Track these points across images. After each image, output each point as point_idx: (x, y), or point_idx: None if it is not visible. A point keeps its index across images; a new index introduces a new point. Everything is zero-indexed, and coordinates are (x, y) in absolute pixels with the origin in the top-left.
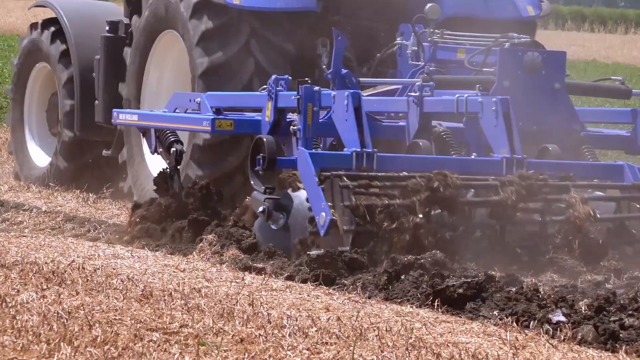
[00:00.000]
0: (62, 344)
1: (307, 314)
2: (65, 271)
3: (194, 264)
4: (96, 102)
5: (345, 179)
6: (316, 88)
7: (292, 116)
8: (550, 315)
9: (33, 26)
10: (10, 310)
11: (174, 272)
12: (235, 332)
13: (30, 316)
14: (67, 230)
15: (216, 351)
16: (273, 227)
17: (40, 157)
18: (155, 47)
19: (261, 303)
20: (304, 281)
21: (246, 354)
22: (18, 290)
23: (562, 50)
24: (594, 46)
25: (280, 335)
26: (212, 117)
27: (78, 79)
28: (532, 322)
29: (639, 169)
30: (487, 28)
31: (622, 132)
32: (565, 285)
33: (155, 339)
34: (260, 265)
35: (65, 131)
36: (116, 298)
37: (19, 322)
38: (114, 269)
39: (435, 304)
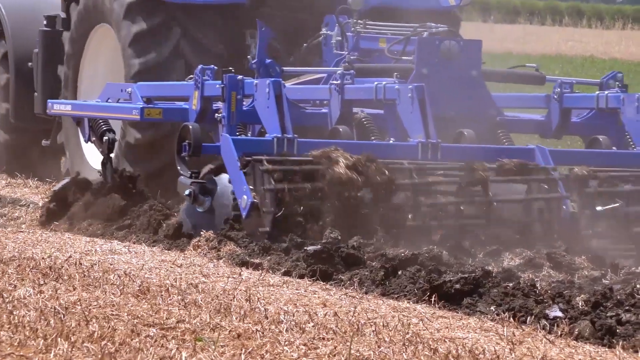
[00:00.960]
0: (59, 339)
1: (304, 310)
2: (63, 266)
3: (191, 260)
4: (35, 94)
5: (265, 163)
6: (239, 77)
7: (219, 104)
8: (547, 311)
9: None
10: (7, 305)
11: (171, 267)
12: (232, 328)
13: (27, 311)
14: None
15: (213, 347)
16: (199, 209)
17: None
18: (91, 38)
19: (258, 298)
20: (301, 277)
21: (243, 350)
22: (15, 286)
23: (477, 39)
24: (591, 42)
25: (277, 330)
26: (141, 105)
27: (14, 75)
28: (529, 318)
29: (549, 152)
30: (409, 18)
31: (537, 116)
32: (562, 280)
33: (152, 334)
34: (257, 261)
35: (0, 133)
36: (113, 293)
37: (16, 318)
38: (111, 264)
39: (432, 299)
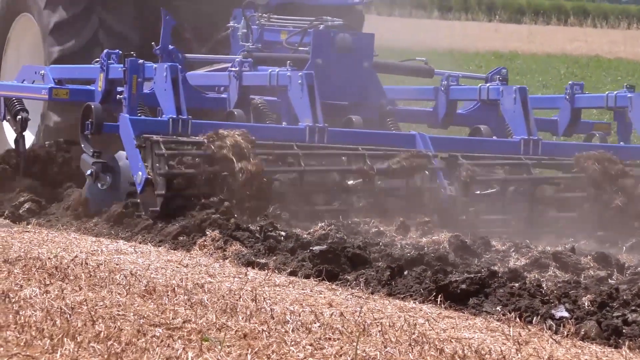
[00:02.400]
0: (65, 339)
1: (310, 310)
2: (69, 266)
3: (197, 260)
4: None
5: (161, 146)
6: (140, 61)
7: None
8: (553, 311)
9: None
10: (14, 305)
11: (177, 267)
12: (238, 328)
13: (33, 311)
14: None
15: (219, 347)
16: (100, 187)
17: None
18: (13, 28)
19: (264, 298)
20: (307, 277)
21: (249, 350)
22: (21, 286)
23: (371, 33)
24: (596, 42)
25: (283, 330)
26: (49, 86)
27: None
28: (535, 318)
29: (429, 138)
30: (315, 13)
31: (427, 108)
32: (568, 280)
33: (158, 334)
34: (263, 261)
35: None
36: (119, 293)
37: (22, 318)
38: (117, 264)
39: (438, 299)
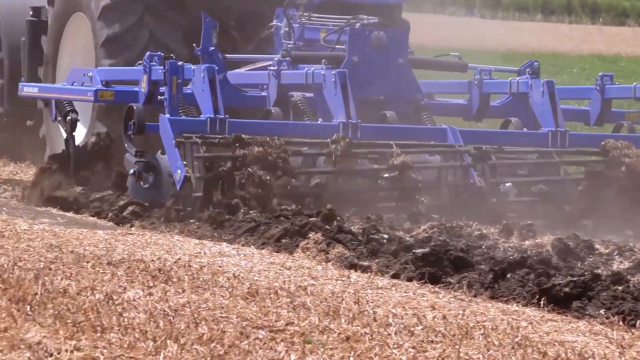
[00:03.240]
0: (168, 341)
1: (412, 313)
2: (172, 269)
3: (299, 262)
4: (22, 79)
5: (194, 137)
6: (180, 63)
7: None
8: None
9: None
10: (117, 307)
11: (280, 270)
12: (341, 330)
13: (136, 314)
14: None
15: (322, 349)
16: (143, 185)
17: None
18: (67, 28)
19: (367, 301)
20: (410, 279)
21: (352, 352)
22: (125, 288)
23: (404, 30)
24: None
25: (386, 333)
26: (94, 88)
27: (8, 59)
28: (638, 321)
29: (459, 131)
30: (356, 11)
31: (461, 101)
32: None
33: (261, 336)
34: (366, 264)
35: None
36: (222, 296)
37: (126, 320)
38: (220, 266)
39: (541, 302)
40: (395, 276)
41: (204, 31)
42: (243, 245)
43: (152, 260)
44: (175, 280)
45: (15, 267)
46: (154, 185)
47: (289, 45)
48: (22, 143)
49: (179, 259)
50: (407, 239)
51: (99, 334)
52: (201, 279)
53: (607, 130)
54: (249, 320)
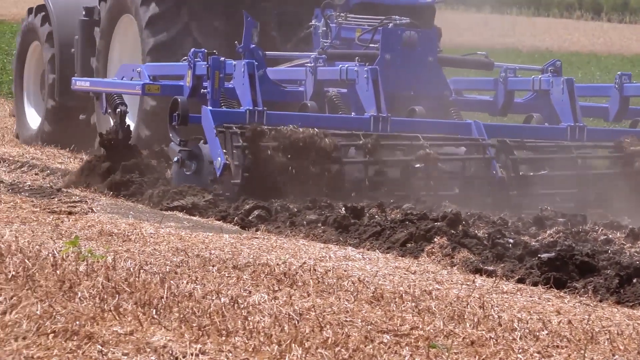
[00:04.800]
0: (293, 345)
1: (537, 317)
2: (297, 273)
3: (424, 267)
4: (75, 74)
5: (234, 127)
6: (222, 58)
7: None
8: None
9: (29, 10)
10: (242, 311)
11: (405, 274)
12: (465, 335)
13: (261, 317)
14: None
15: (447, 353)
16: (186, 172)
17: (34, 120)
18: (117, 28)
19: (492, 306)
20: (535, 284)
21: (476, 357)
22: (250, 292)
23: (434, 30)
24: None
25: (510, 338)
26: (142, 82)
27: (59, 55)
28: None
29: (483, 126)
30: (390, 12)
31: (487, 97)
32: None
33: (385, 340)
34: (490, 268)
35: (48, 100)
36: (347, 300)
37: (251, 323)
38: (345, 270)
39: None
40: (521, 281)
41: (245, 30)
42: (368, 250)
43: (278, 264)
44: (300, 284)
45: (142, 270)
46: (196, 172)
47: (325, 44)
48: (72, 134)
49: (304, 263)
50: (533, 243)
51: (224, 338)
52: (326, 283)
53: (624, 126)
54: (374, 324)
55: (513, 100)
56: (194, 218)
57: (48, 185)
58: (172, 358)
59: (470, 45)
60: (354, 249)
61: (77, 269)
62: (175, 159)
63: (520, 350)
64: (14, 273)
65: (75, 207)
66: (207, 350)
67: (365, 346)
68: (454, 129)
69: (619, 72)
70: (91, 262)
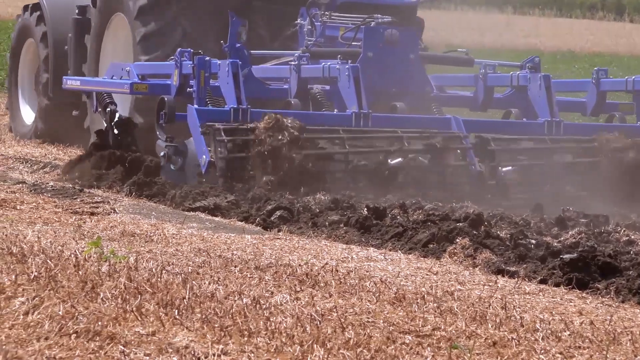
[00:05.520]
0: (315, 345)
1: (559, 318)
2: (319, 273)
3: (446, 267)
4: (69, 72)
5: (222, 133)
6: (207, 58)
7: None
8: None
9: (25, 8)
10: (264, 312)
11: (427, 275)
12: (487, 336)
13: (283, 318)
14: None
15: (469, 354)
16: (172, 167)
17: (28, 116)
18: (109, 28)
19: (514, 306)
20: (557, 285)
21: (498, 357)
22: (272, 292)
23: (415, 28)
24: None
25: (532, 338)
26: (130, 81)
27: (53, 55)
28: None
29: (462, 121)
30: (375, 11)
31: (467, 93)
32: None
33: (407, 341)
34: (513, 269)
35: (42, 99)
36: (369, 301)
37: (273, 324)
38: (367, 271)
39: None
40: (543, 281)
41: (231, 29)
42: (390, 250)
43: (300, 265)
44: (322, 285)
45: (164, 271)
46: (182, 168)
47: (309, 42)
48: (65, 131)
49: (326, 263)
50: (555, 244)
51: (246, 338)
52: (348, 284)
53: (600, 120)
54: (396, 325)
55: (492, 96)
56: (216, 219)
57: (70, 185)
58: (194, 359)
59: (492, 46)
60: (376, 249)
61: (99, 270)
62: (162, 153)
63: (542, 351)
64: (36, 273)
65: (97, 207)
66: (229, 351)
67: (387, 347)
68: (434, 124)
69: (595, 68)
70: (113, 263)
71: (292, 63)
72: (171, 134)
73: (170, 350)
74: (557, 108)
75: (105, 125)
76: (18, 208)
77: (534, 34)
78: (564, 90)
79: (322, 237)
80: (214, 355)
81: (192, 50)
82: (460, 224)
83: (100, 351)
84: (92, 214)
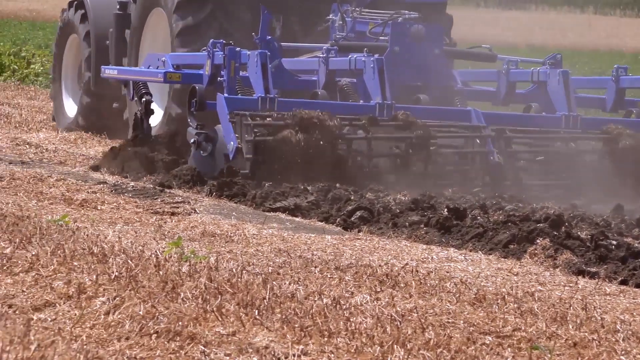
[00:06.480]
0: (395, 346)
1: None
2: (399, 274)
3: (527, 268)
4: (110, 64)
5: (248, 118)
6: (237, 49)
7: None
8: None
9: (69, 4)
10: (344, 312)
11: (507, 275)
12: (568, 336)
13: (363, 318)
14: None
15: (549, 355)
16: (203, 154)
17: (71, 108)
18: (148, 22)
19: (594, 307)
20: (638, 286)
21: (579, 358)
22: (352, 293)
23: (440, 24)
24: None
25: (613, 339)
26: (164, 71)
27: (95, 54)
28: None
29: (482, 114)
30: (405, 8)
31: (490, 88)
32: None
33: (488, 342)
34: (593, 270)
35: (84, 97)
36: (449, 301)
37: (353, 324)
38: (447, 272)
39: None
40: (624, 282)
41: (262, 22)
42: (470, 251)
43: (380, 266)
44: (402, 285)
45: (244, 271)
46: (212, 154)
47: (337, 36)
48: (107, 123)
49: (407, 264)
50: (636, 245)
51: (326, 339)
52: (428, 284)
53: (619, 116)
54: (476, 325)
55: (514, 91)
56: (297, 219)
57: (151, 185)
58: (274, 359)
59: (573, 47)
60: (456, 250)
61: (179, 270)
62: (192, 140)
63: (623, 352)
64: (117, 273)
65: (178, 207)
66: (309, 351)
67: (467, 347)
68: (454, 116)
69: (615, 65)
70: (194, 263)
71: (321, 56)
72: (202, 122)
73: (250, 350)
74: (576, 103)
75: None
76: (99, 208)
77: (615, 34)
78: (587, 87)
79: (403, 238)
80: (294, 355)
81: (223, 41)
82: (541, 225)
83: (181, 351)
84: (173, 214)
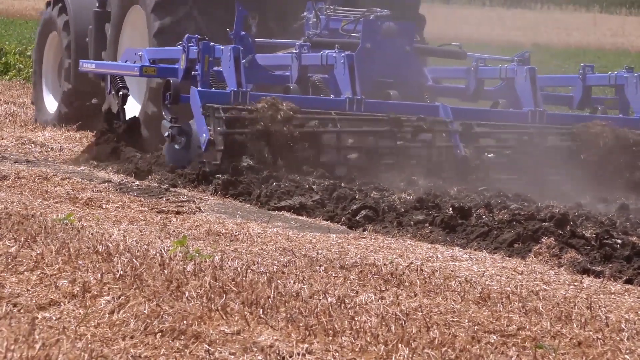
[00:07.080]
0: (400, 345)
1: None
2: (404, 273)
3: (531, 267)
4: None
5: (220, 111)
6: (212, 44)
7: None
8: None
9: (47, 3)
10: (349, 311)
11: (512, 274)
12: (572, 335)
13: (368, 317)
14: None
15: (553, 354)
16: (176, 147)
17: (51, 105)
18: (127, 19)
19: (599, 306)
20: None
21: (583, 357)
22: (357, 292)
23: (411, 22)
24: None
25: (618, 339)
26: (140, 65)
27: (74, 42)
28: None
29: (450, 109)
30: (379, 4)
31: (460, 85)
32: None
33: (492, 341)
34: (598, 269)
35: (65, 83)
36: (454, 300)
37: (358, 323)
38: (452, 271)
39: None
40: (629, 281)
41: (236, 18)
42: (475, 250)
43: (385, 264)
44: (407, 284)
45: (249, 270)
46: (185, 147)
47: (311, 33)
48: (85, 116)
49: (411, 263)
50: None
51: (330, 338)
52: (433, 283)
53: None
54: (481, 324)
55: (483, 87)
56: (302, 218)
57: (156, 184)
58: (279, 358)
59: (578, 45)
60: (461, 249)
61: (184, 269)
62: (166, 133)
63: (627, 351)
64: (122, 272)
65: (182, 206)
66: (313, 350)
67: (472, 346)
68: (423, 110)
69: (582, 64)
70: (199, 262)
71: (294, 52)
72: (176, 115)
73: (255, 349)
74: (542, 99)
75: (117, 108)
76: (104, 207)
77: (621, 33)
78: (553, 85)
79: (407, 237)
80: (298, 354)
81: (198, 36)
82: (546, 224)
83: (185, 350)
84: (178, 213)
